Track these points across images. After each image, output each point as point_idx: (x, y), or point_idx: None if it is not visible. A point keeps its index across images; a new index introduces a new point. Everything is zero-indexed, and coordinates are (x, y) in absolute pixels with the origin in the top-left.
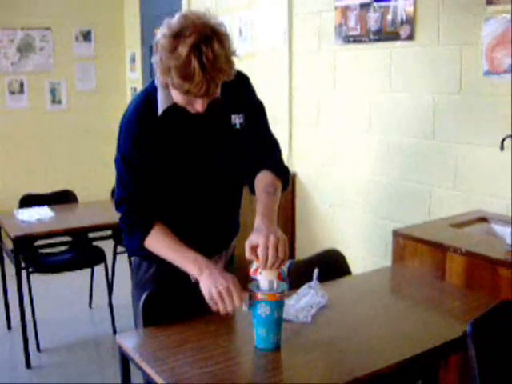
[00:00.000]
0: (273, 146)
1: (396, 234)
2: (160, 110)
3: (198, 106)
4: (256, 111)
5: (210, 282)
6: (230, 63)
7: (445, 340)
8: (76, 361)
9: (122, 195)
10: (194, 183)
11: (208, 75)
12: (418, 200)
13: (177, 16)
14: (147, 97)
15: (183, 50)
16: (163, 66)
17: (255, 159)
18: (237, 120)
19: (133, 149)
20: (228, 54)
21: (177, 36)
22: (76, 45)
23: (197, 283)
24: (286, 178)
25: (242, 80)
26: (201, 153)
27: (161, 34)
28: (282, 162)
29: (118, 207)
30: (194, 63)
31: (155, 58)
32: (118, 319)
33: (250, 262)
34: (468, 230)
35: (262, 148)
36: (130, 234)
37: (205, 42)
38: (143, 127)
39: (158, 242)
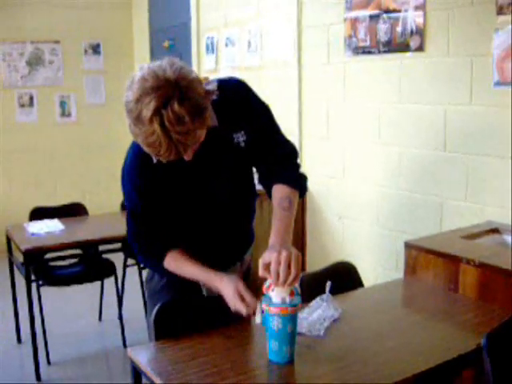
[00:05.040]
0: (286, 151)
1: (408, 245)
2: (155, 158)
3: (184, 156)
4: (259, 122)
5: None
6: (200, 116)
7: (459, 353)
8: (86, 374)
9: (131, 235)
10: (205, 206)
11: (174, 139)
12: (428, 212)
13: (138, 74)
14: None
15: (146, 116)
16: (131, 131)
17: (269, 170)
18: (239, 138)
19: (138, 199)
20: (196, 107)
21: (138, 102)
22: (85, 58)
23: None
24: (302, 186)
25: (237, 92)
26: (208, 180)
27: (127, 95)
28: (297, 169)
29: (130, 242)
30: (157, 130)
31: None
32: (128, 332)
33: (265, 279)
34: (480, 241)
35: (274, 158)
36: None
37: (164, 106)
38: (144, 176)
39: (175, 269)
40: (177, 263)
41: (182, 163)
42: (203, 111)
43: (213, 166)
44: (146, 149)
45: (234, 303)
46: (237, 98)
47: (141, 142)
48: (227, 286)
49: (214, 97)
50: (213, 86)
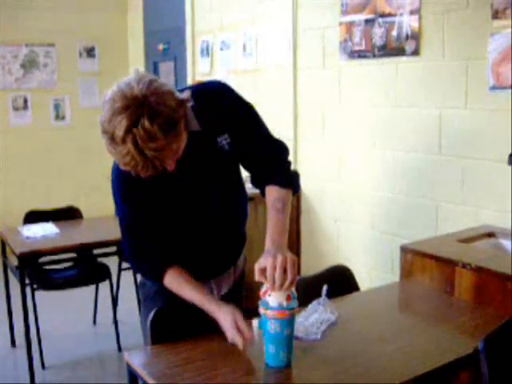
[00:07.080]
0: (274, 150)
1: (404, 249)
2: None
3: (167, 167)
4: (243, 123)
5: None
6: (173, 130)
7: (455, 356)
8: (81, 378)
9: (128, 249)
10: (195, 212)
11: (150, 156)
12: (424, 215)
13: (107, 93)
14: None
15: (118, 135)
16: (108, 151)
17: (260, 171)
18: (223, 141)
19: (128, 211)
20: (168, 121)
21: (110, 122)
22: (80, 61)
23: None
24: (294, 185)
25: (217, 95)
26: (195, 186)
27: (101, 115)
28: (287, 167)
29: (127, 257)
30: (131, 149)
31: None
32: (123, 336)
33: (261, 284)
34: (476, 245)
35: (263, 158)
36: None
37: (135, 124)
38: (131, 189)
39: (176, 291)
40: (178, 286)
41: (166, 172)
42: (176, 124)
43: (198, 171)
44: (123, 168)
45: (231, 334)
46: (217, 100)
47: (117, 161)
48: (224, 316)
49: (190, 104)
50: (186, 94)
